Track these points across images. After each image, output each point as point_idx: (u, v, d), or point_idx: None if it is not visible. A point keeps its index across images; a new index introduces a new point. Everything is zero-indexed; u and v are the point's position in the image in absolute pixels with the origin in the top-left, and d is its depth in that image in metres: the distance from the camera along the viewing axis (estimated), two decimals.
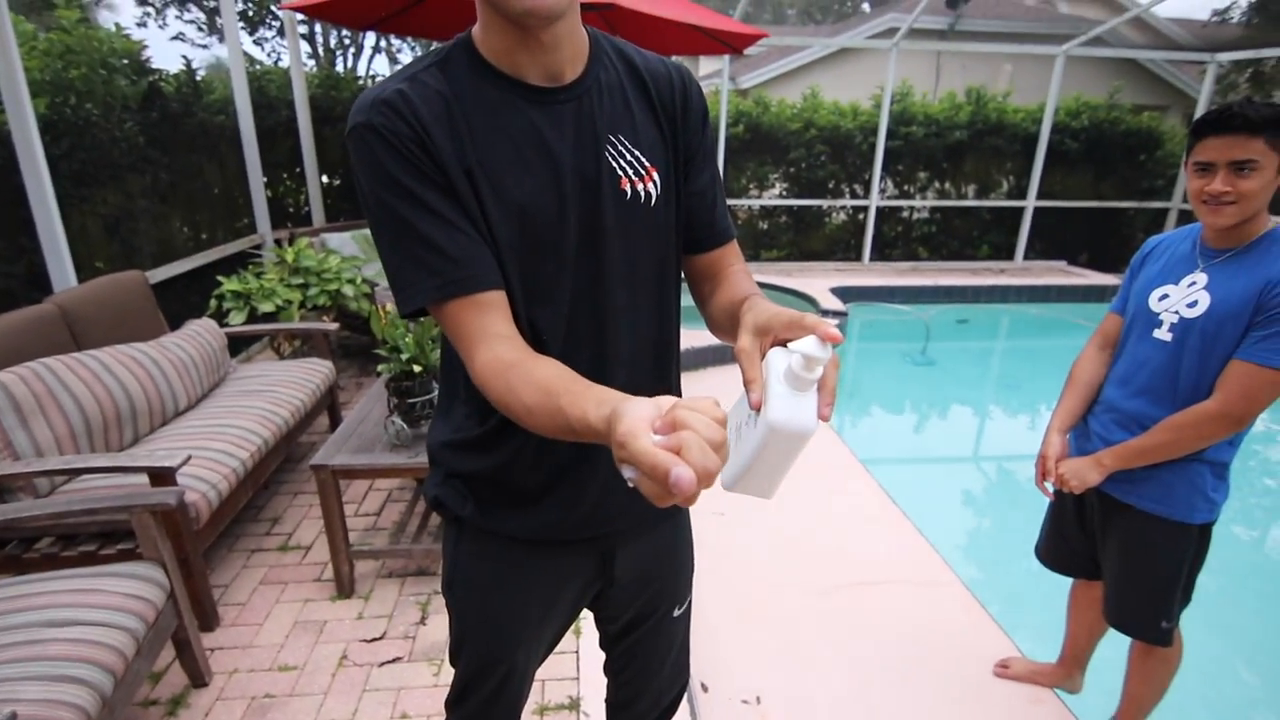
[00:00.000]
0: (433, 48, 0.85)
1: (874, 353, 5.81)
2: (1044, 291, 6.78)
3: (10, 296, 2.87)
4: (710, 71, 13.37)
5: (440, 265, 0.75)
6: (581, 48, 0.83)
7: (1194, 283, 1.41)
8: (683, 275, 0.97)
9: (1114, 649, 1.78)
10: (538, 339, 0.84)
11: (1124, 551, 1.58)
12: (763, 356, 0.67)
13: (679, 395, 1.03)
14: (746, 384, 0.65)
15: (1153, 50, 10.22)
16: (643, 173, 0.85)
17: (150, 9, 6.91)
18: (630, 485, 0.51)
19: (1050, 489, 1.70)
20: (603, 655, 1.21)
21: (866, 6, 26.23)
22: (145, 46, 3.92)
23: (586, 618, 1.95)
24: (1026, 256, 7.76)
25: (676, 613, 1.15)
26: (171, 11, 7.23)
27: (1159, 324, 1.45)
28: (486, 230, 0.78)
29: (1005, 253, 7.90)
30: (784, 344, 0.66)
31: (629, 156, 0.84)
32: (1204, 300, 1.38)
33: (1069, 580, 1.86)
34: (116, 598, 1.64)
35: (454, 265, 0.75)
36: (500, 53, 0.79)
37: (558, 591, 1.01)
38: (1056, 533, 1.79)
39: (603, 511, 0.95)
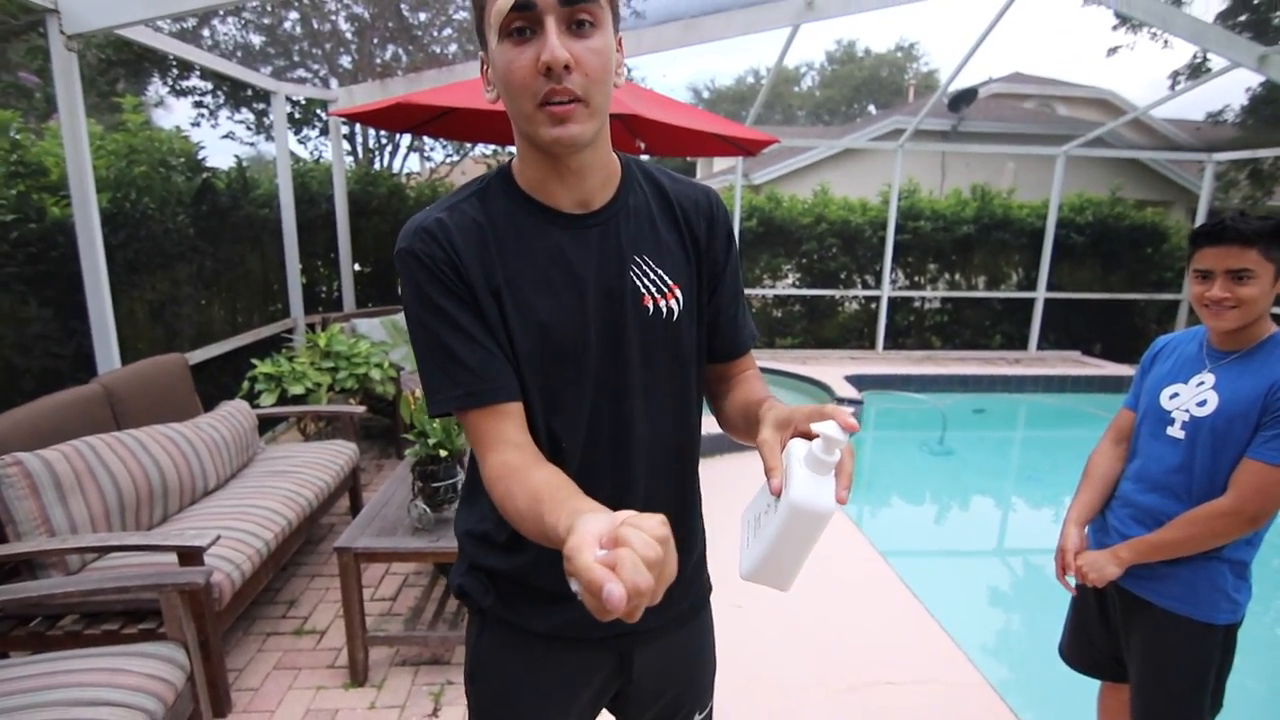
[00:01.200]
0: (471, 180, 0.96)
1: (891, 441, 5.80)
2: (1059, 382, 6.79)
3: (57, 376, 3.00)
4: (724, 168, 14.00)
5: (463, 377, 0.84)
6: (613, 174, 0.90)
7: (1202, 382, 1.46)
8: (705, 380, 1.03)
9: None
10: (557, 446, 0.90)
11: (1148, 652, 1.55)
12: (783, 448, 0.73)
13: (698, 502, 1.08)
14: (768, 472, 0.71)
15: (1152, 150, 10.61)
16: (666, 290, 0.91)
17: (205, 110, 7.42)
18: (576, 596, 0.54)
19: (1071, 583, 1.69)
20: None
21: (872, 109, 27.57)
22: (202, 146, 4.24)
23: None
24: (1040, 347, 7.82)
25: (697, 718, 1.14)
26: (224, 113, 7.74)
27: (1171, 422, 1.49)
28: (509, 344, 0.86)
29: (1018, 342, 7.97)
30: (804, 436, 0.73)
31: (653, 275, 0.91)
32: (1213, 400, 1.42)
33: (1098, 683, 1.81)
34: (139, 678, 1.65)
35: (475, 378, 0.84)
36: (535, 182, 0.87)
37: (577, 689, 1.02)
38: (1080, 630, 1.77)
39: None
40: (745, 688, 2.28)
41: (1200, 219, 7.59)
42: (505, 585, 0.98)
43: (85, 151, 2.85)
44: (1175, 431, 1.48)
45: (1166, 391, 1.53)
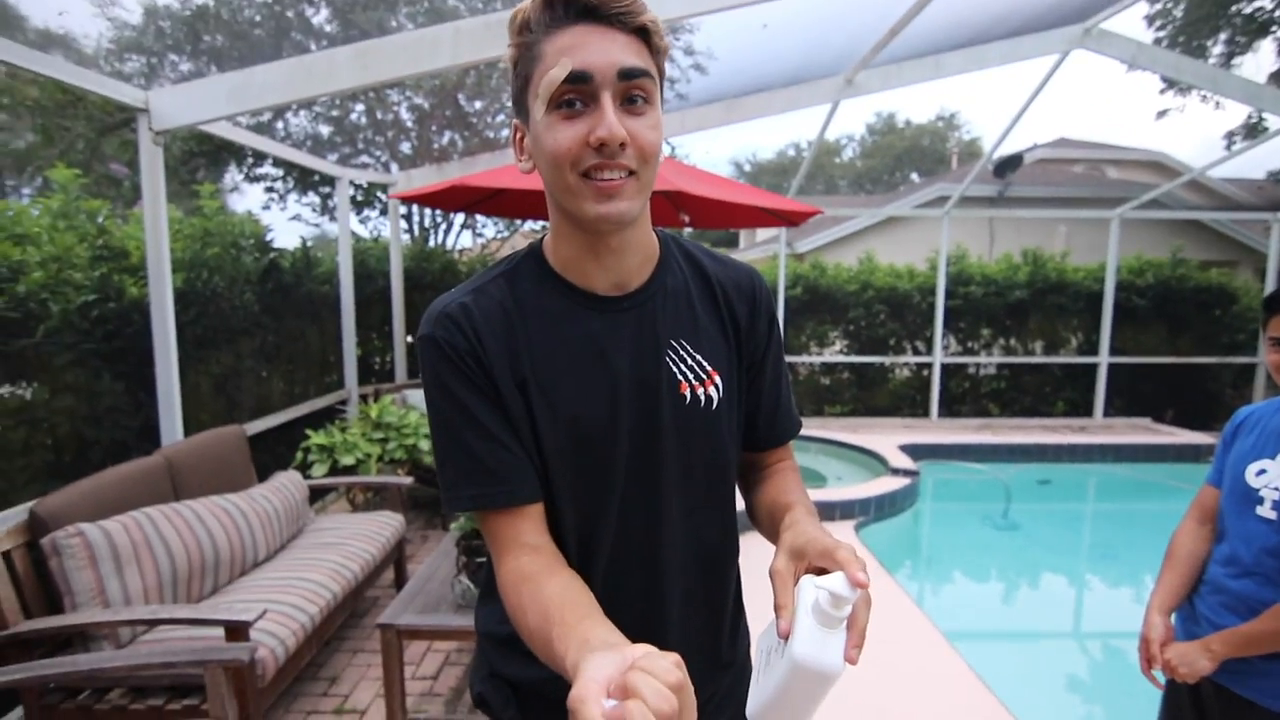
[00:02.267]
0: (503, 246, 0.95)
1: (950, 515, 5.53)
2: (1130, 450, 6.42)
3: (124, 447, 3.12)
4: (768, 237, 14.16)
5: (480, 477, 0.79)
6: (651, 253, 0.86)
7: None
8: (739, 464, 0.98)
9: None
10: (584, 547, 0.85)
11: None
12: (796, 581, 0.68)
13: (740, 601, 1.03)
14: (777, 609, 0.66)
15: (1212, 211, 10.31)
16: (704, 377, 0.86)
17: (275, 194, 7.92)
18: None
19: (1160, 678, 1.54)
20: None
21: (915, 177, 27.75)
22: (270, 229, 4.50)
23: None
24: (1106, 414, 7.47)
25: None
26: (292, 196, 8.24)
27: (1260, 500, 1.38)
28: (533, 440, 0.82)
29: (1083, 409, 7.62)
30: (819, 572, 0.68)
31: (690, 361, 0.86)
32: None
33: None
34: None
35: (492, 479, 0.79)
36: (568, 261, 0.83)
37: None
38: None
39: None
40: None
41: (1271, 279, 7.27)
42: (528, 697, 0.92)
43: (164, 235, 3.04)
44: (1266, 511, 1.37)
45: (1253, 468, 1.42)
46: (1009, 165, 10.68)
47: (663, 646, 0.56)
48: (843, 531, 4.35)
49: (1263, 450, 1.42)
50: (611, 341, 0.82)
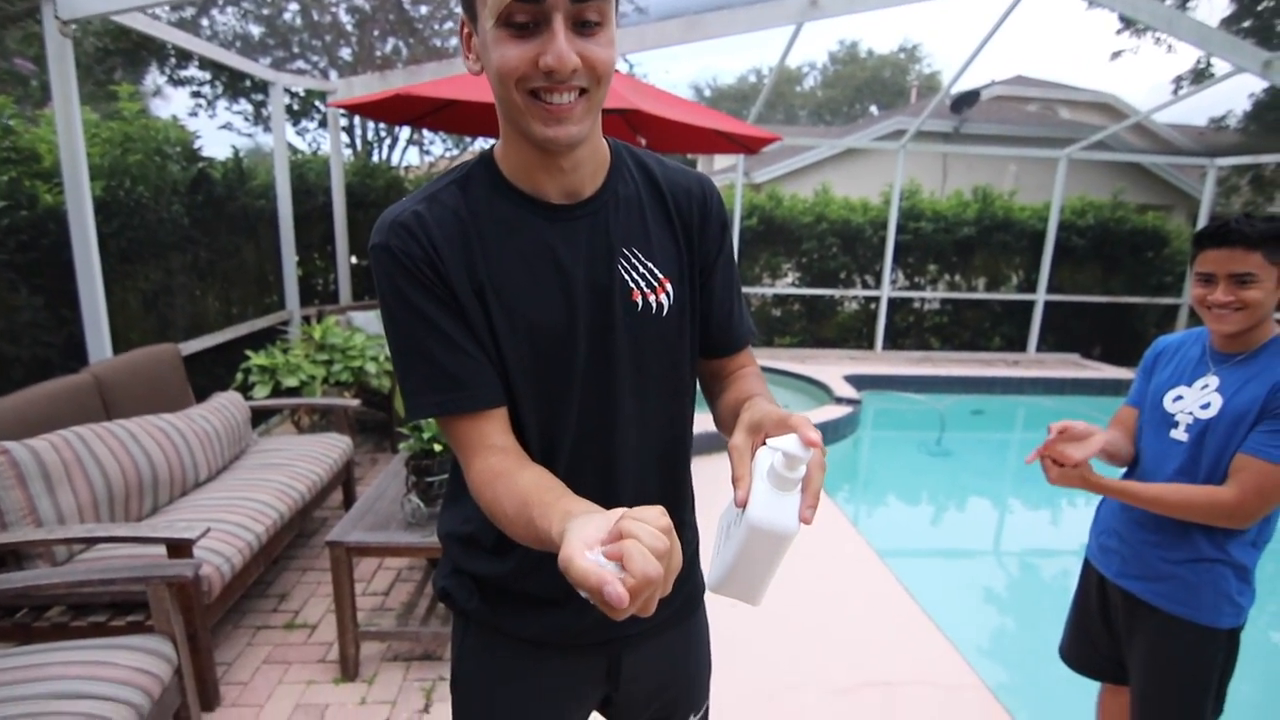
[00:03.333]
0: (455, 164, 0.91)
1: (888, 441, 5.78)
2: (1059, 384, 6.78)
3: (47, 365, 2.97)
4: (725, 166, 13.97)
5: (442, 383, 0.80)
6: (602, 161, 0.86)
7: (1206, 385, 1.44)
8: (701, 375, 1.00)
9: None
10: (545, 447, 0.87)
11: (1150, 656, 1.53)
12: (753, 454, 0.68)
13: (690, 499, 1.06)
14: (735, 481, 0.67)
15: (1154, 154, 10.60)
16: (655, 284, 0.87)
17: (203, 100, 7.38)
18: (590, 602, 0.53)
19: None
20: None
21: (875, 110, 27.56)
22: (198, 136, 4.20)
23: None
24: (1039, 349, 7.81)
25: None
26: (222, 103, 7.69)
27: (1175, 424, 1.48)
28: (493, 346, 0.82)
29: (1018, 345, 7.95)
30: None
31: (642, 269, 0.86)
32: (1216, 402, 1.40)
33: (1097, 685, 1.80)
34: (125, 671, 1.62)
35: (454, 384, 0.79)
36: (520, 170, 0.82)
37: (563, 697, 0.99)
38: (1081, 632, 1.75)
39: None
40: (739, 688, 2.25)
41: (1202, 223, 7.58)
42: (491, 590, 0.95)
43: (79, 138, 2.82)
44: (1178, 434, 1.47)
45: (1170, 394, 1.51)
46: (965, 101, 10.69)
47: None
48: None
49: (1180, 378, 1.51)
50: (566, 249, 0.82)
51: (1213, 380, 1.44)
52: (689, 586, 1.06)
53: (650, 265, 0.87)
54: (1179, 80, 10.63)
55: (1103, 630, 1.68)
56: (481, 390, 0.81)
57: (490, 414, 0.81)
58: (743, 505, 0.64)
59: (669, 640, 1.04)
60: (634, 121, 4.10)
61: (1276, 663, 2.90)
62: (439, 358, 0.80)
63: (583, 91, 0.73)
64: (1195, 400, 1.45)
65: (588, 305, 0.83)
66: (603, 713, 1.08)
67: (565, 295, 0.82)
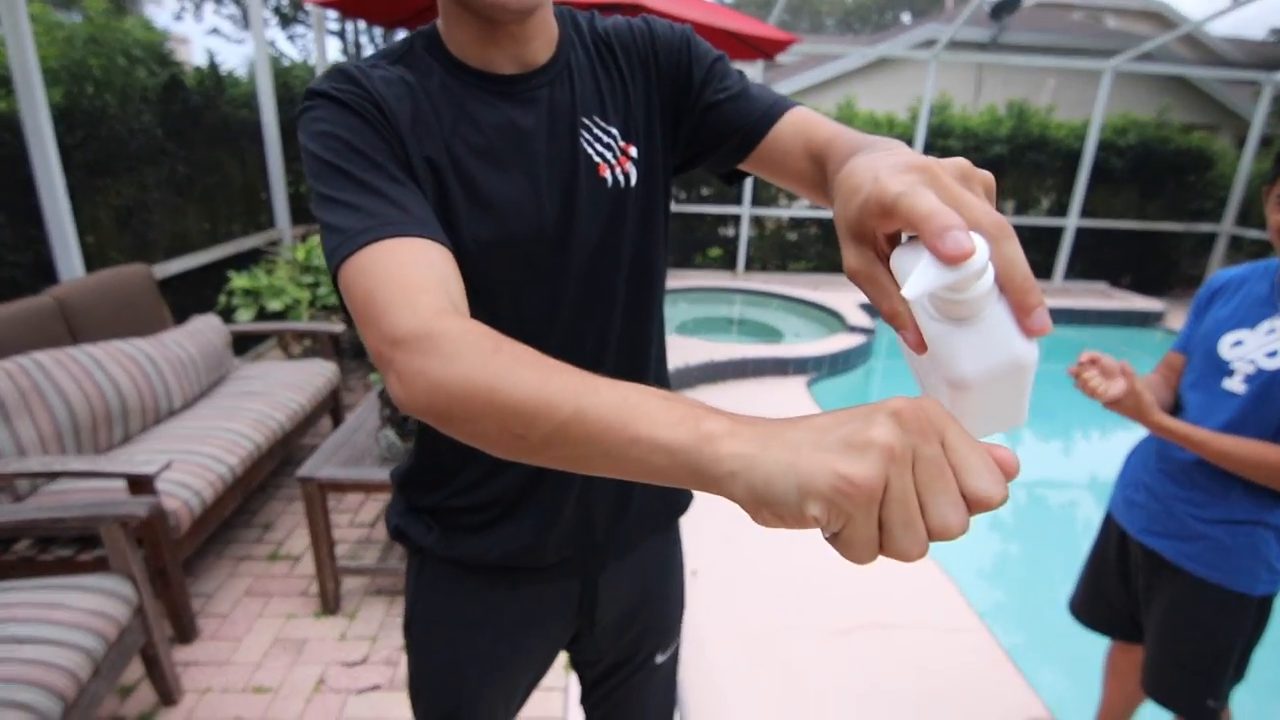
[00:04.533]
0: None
1: (901, 372, 5.60)
2: (1083, 315, 6.50)
3: (15, 286, 2.83)
4: None
5: (385, 211, 0.58)
6: (552, 31, 0.76)
7: (1274, 329, 1.23)
8: (783, 178, 0.75)
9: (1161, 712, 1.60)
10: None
11: (1171, 619, 1.41)
12: (885, 261, 0.41)
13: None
14: (888, 319, 0.41)
15: (1206, 68, 9.84)
16: (619, 154, 0.77)
17: (187, 3, 6.95)
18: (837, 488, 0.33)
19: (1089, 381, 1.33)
20: None
21: (906, 18, 25.90)
22: (168, 38, 3.90)
23: None
24: (1066, 277, 7.48)
25: (660, 659, 1.02)
26: (209, 6, 7.25)
27: (1230, 373, 1.28)
28: (447, 226, 0.68)
29: (1043, 272, 7.61)
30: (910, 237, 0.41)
31: (605, 139, 0.76)
32: None
33: (1108, 639, 1.69)
34: (78, 614, 1.54)
35: (401, 212, 0.59)
36: (466, 46, 0.71)
37: (528, 631, 0.89)
38: (1094, 587, 1.62)
39: (584, 524, 0.85)
40: (731, 627, 2.18)
41: (1252, 144, 7.06)
42: (447, 518, 0.84)
43: (27, 35, 2.57)
44: (1234, 384, 1.27)
45: (1228, 338, 1.31)
46: (1006, 7, 9.90)
47: None
48: (795, 387, 4.35)
49: (1242, 319, 1.30)
50: (528, 123, 0.73)
51: None
52: (667, 494, 0.95)
53: (613, 131, 0.77)
54: None
55: (1119, 587, 1.55)
56: (435, 227, 0.61)
57: (445, 253, 0.59)
58: (919, 349, 0.39)
59: (648, 555, 0.95)
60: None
61: None
62: (389, 193, 0.60)
63: None
64: (1259, 346, 1.25)
65: (551, 182, 0.73)
66: (568, 648, 0.99)
67: (531, 174, 0.73)
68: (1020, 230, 7.56)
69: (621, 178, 0.77)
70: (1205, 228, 7.56)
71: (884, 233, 0.41)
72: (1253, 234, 7.20)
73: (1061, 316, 6.47)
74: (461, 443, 0.49)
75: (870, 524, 0.33)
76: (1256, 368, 1.23)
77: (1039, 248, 7.62)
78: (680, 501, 0.97)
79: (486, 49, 0.71)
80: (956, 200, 0.36)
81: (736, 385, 4.38)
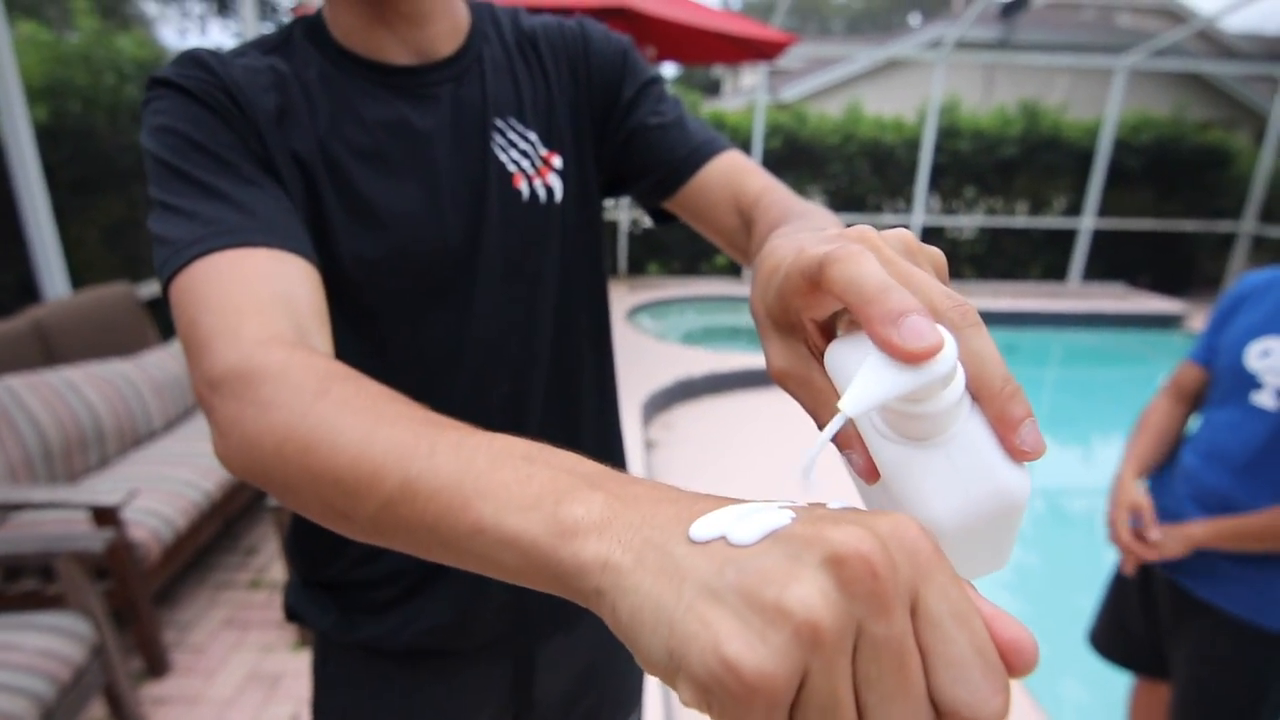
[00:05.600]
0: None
1: None
2: (1100, 319, 6.32)
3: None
4: (751, 86, 13.14)
5: (223, 215, 0.49)
6: (459, 22, 0.66)
7: None
8: (705, 227, 0.70)
9: None
10: (388, 375, 0.58)
11: (1200, 659, 1.29)
12: (820, 356, 0.31)
13: (619, 445, 0.83)
14: (839, 447, 0.30)
15: (1221, 63, 9.63)
16: (539, 162, 0.67)
17: (192, 22, 7.00)
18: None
19: (1127, 566, 1.32)
20: None
21: (915, 20, 25.77)
22: (165, 55, 3.87)
23: None
24: (1083, 278, 7.30)
25: None
26: (215, 23, 7.30)
27: (1258, 386, 1.17)
28: (320, 237, 0.59)
29: (1058, 273, 7.45)
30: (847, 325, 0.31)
31: (522, 145, 0.67)
32: None
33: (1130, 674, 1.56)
34: (28, 656, 1.46)
35: (246, 217, 0.50)
36: (353, 31, 0.62)
37: None
38: (1115, 619, 1.50)
39: (515, 598, 0.72)
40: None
41: (1271, 142, 6.86)
42: (350, 596, 0.72)
43: (7, 52, 2.53)
44: (1264, 399, 1.16)
45: (1256, 347, 1.20)
46: (1016, 6, 9.76)
47: None
48: None
49: (1270, 326, 1.19)
50: (426, 123, 0.63)
51: None
52: None
53: (531, 137, 0.67)
54: None
55: (1141, 618, 1.43)
56: (291, 234, 0.52)
57: (301, 265, 0.50)
58: (870, 477, 0.28)
59: (589, 632, 0.81)
60: (639, 29, 3.66)
61: None
62: (229, 194, 0.51)
63: None
64: None
65: (455, 192, 0.63)
66: None
67: (427, 182, 0.62)
68: (1035, 232, 7.39)
69: (542, 191, 0.67)
70: (1225, 227, 7.36)
71: (813, 318, 0.30)
72: (1275, 233, 7.00)
73: (1079, 321, 6.30)
74: None
75: None
76: None
77: (1054, 249, 7.45)
78: None
79: (375, 33, 0.61)
80: (905, 276, 0.26)
81: (743, 396, 4.26)
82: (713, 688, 0.20)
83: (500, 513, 0.28)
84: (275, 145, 0.57)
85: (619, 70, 0.70)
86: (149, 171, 0.53)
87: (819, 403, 0.30)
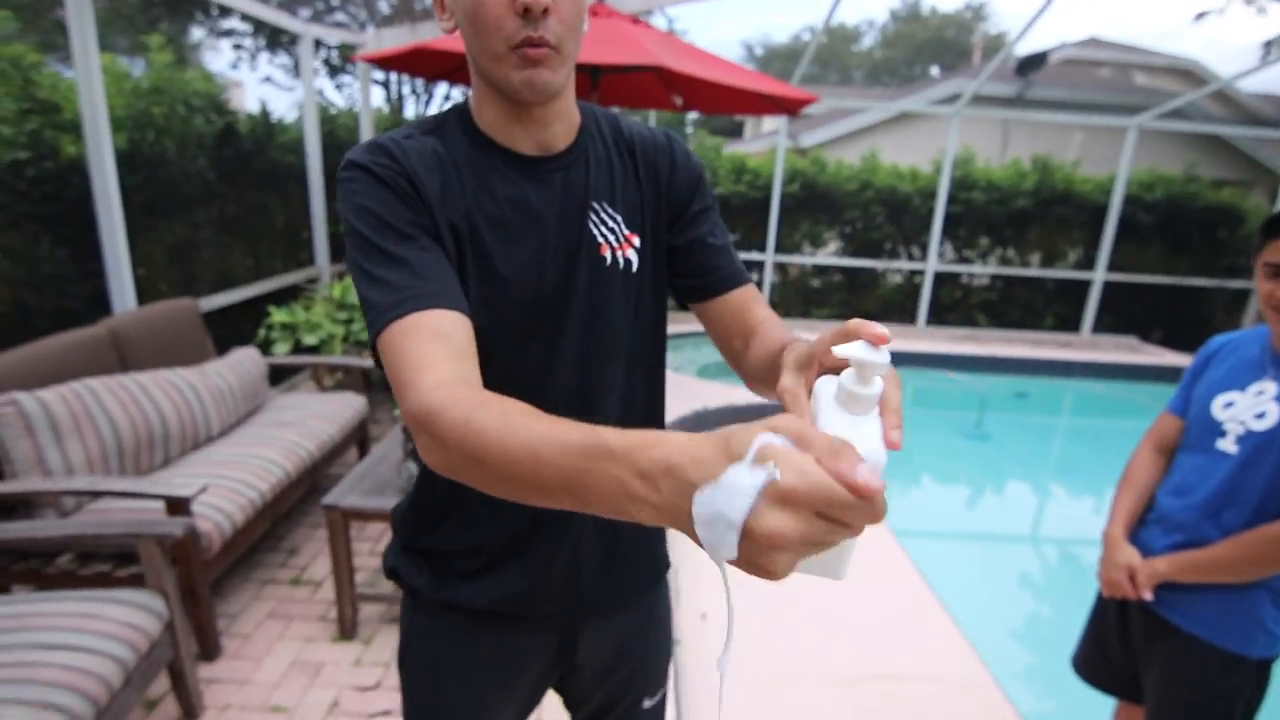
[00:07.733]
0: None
1: (925, 421, 5.58)
2: (1111, 369, 6.43)
3: (72, 316, 3.02)
4: (772, 129, 13.52)
5: (409, 283, 0.69)
6: (574, 121, 0.84)
7: (1262, 391, 1.27)
8: (713, 333, 0.91)
9: None
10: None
11: (1168, 680, 1.40)
12: (810, 391, 0.55)
13: None
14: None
15: (1235, 125, 9.84)
16: (622, 239, 0.85)
17: (244, 54, 7.41)
18: (726, 557, 0.41)
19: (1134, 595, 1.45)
20: None
21: (936, 71, 26.30)
22: (225, 88, 4.18)
23: None
24: (1094, 330, 7.41)
25: (648, 704, 1.07)
26: (265, 56, 7.71)
27: (1222, 434, 1.32)
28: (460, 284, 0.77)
29: (1071, 325, 7.57)
30: (836, 370, 0.55)
31: (610, 224, 0.84)
32: (1274, 412, 1.24)
33: (1114, 699, 1.68)
34: (112, 625, 1.63)
35: (424, 283, 0.69)
36: (494, 124, 0.80)
37: (515, 675, 0.95)
38: (1096, 645, 1.62)
39: (571, 583, 0.91)
40: (734, 673, 2.19)
41: None
42: (439, 562, 0.91)
43: (99, 87, 2.81)
44: (1226, 445, 1.31)
45: (1220, 399, 1.35)
46: (1033, 64, 10.07)
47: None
48: None
49: (1233, 381, 1.35)
50: (540, 200, 0.81)
51: (1271, 387, 1.27)
52: (651, 560, 1.02)
53: (618, 219, 0.85)
54: (1269, 45, 9.78)
55: (1119, 645, 1.55)
56: (453, 292, 0.71)
57: (458, 319, 0.69)
58: None
59: (629, 617, 1.00)
60: (668, 80, 3.92)
61: None
62: (413, 262, 0.70)
63: (554, 48, 0.72)
64: (1249, 407, 1.29)
65: (557, 259, 0.81)
66: (558, 689, 1.04)
67: (539, 246, 0.80)
68: (1048, 282, 7.55)
69: (622, 260, 0.84)
70: (1237, 284, 7.47)
71: (824, 364, 0.56)
72: None
73: (1090, 370, 6.41)
74: (455, 486, 0.63)
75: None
76: (1246, 429, 1.27)
77: (1066, 300, 7.59)
78: (660, 568, 1.03)
79: (511, 128, 0.79)
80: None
81: None
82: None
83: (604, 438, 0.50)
84: (440, 217, 0.75)
85: (694, 187, 0.89)
86: (350, 238, 0.73)
87: (798, 411, 0.54)
